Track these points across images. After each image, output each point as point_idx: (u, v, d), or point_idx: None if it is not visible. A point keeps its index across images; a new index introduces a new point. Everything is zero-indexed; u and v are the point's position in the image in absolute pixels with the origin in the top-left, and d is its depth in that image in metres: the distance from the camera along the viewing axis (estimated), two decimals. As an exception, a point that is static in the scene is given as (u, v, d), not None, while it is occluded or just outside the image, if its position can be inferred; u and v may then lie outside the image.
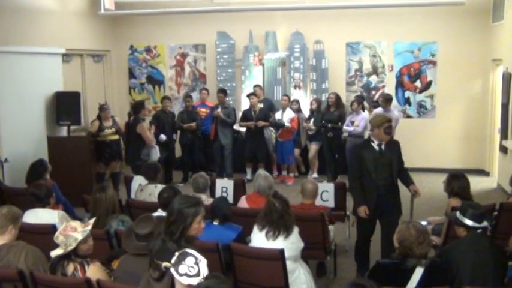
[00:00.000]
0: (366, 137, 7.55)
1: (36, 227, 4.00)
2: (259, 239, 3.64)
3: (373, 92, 9.08)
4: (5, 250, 3.20)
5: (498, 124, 7.95)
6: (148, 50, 9.75)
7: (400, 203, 4.51)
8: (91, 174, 7.15)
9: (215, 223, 3.83)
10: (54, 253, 2.96)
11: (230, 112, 8.32)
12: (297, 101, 8.49)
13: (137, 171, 6.36)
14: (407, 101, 9.08)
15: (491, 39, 8.36)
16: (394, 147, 4.47)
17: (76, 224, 3.09)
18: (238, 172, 8.38)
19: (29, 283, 3.07)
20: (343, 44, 9.07)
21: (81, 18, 8.57)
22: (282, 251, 3.40)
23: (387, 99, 7.52)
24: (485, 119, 8.63)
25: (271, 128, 8.40)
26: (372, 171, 4.33)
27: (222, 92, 8.41)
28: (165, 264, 2.33)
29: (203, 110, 8.63)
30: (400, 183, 4.53)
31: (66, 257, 2.98)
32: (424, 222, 4.64)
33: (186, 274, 2.20)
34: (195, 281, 2.18)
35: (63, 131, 7.72)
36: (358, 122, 7.51)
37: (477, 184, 7.55)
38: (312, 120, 8.19)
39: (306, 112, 8.55)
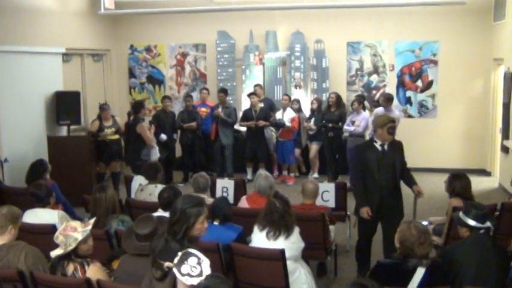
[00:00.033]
0: (366, 137, 7.56)
1: (36, 227, 3.99)
2: (259, 239, 3.63)
3: (374, 92, 9.06)
4: (5, 250, 3.19)
5: (499, 124, 7.93)
6: (148, 49, 9.73)
7: (402, 204, 4.48)
8: (91, 174, 7.14)
9: (215, 223, 3.81)
10: (54, 253, 2.95)
11: (231, 112, 8.31)
12: (298, 101, 8.47)
13: (137, 171, 6.35)
14: (408, 101, 9.06)
15: (492, 38, 8.35)
16: (397, 147, 4.44)
17: (76, 224, 3.09)
18: (238, 172, 8.36)
19: (29, 283, 3.06)
20: (344, 44, 9.05)
21: (81, 18, 8.56)
22: (282, 251, 3.39)
23: (388, 99, 7.50)
24: (487, 118, 8.61)
25: (272, 128, 8.38)
26: (374, 171, 4.30)
27: (223, 91, 8.40)
28: (167, 264, 2.33)
29: (203, 109, 8.62)
30: (402, 184, 4.50)
31: (66, 257, 2.97)
32: (425, 222, 4.64)
33: (188, 274, 2.19)
34: (197, 281, 2.18)
35: (63, 131, 7.71)
36: (359, 121, 7.49)
37: (478, 184, 7.53)
38: (313, 120, 8.17)
39: (306, 112, 8.53)
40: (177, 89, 9.74)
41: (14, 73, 6.74)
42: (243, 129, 8.51)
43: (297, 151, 8.42)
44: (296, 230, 3.65)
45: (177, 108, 9.13)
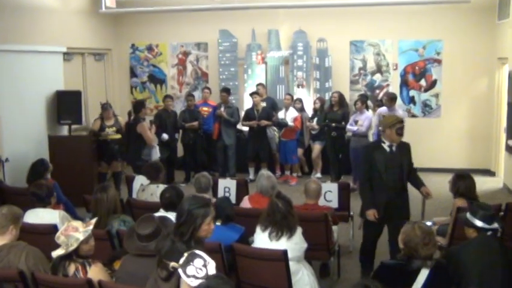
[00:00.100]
0: (369, 136, 7.53)
1: (37, 227, 3.98)
2: (262, 239, 3.61)
3: (377, 91, 9.02)
4: (6, 250, 3.18)
5: (504, 123, 7.90)
6: (149, 48, 9.71)
7: (409, 206, 4.43)
8: (92, 174, 7.12)
9: (217, 223, 3.77)
10: (56, 253, 2.95)
11: (233, 111, 8.27)
12: (300, 100, 8.44)
13: (138, 171, 6.33)
14: (411, 100, 9.01)
15: (497, 37, 8.30)
16: (404, 148, 4.39)
17: (77, 224, 3.08)
18: (240, 172, 8.34)
19: (30, 284, 3.05)
20: (347, 42, 9.01)
21: (82, 17, 8.54)
22: (285, 252, 3.37)
23: (391, 98, 7.45)
24: (491, 118, 8.56)
25: (274, 128, 8.34)
26: (382, 172, 4.25)
27: (225, 91, 8.36)
28: (172, 264, 2.32)
29: (205, 109, 8.60)
30: (409, 186, 4.45)
31: (68, 257, 2.96)
32: (429, 223, 4.60)
33: (193, 276, 2.18)
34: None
35: (64, 130, 7.70)
36: (362, 121, 7.45)
37: (483, 184, 7.48)
38: (316, 119, 8.13)
39: (309, 111, 8.50)
40: (179, 89, 9.71)
41: (15, 72, 6.73)
42: (245, 128, 8.47)
43: (300, 151, 8.38)
44: (299, 231, 3.64)
45: (178, 107, 9.10)
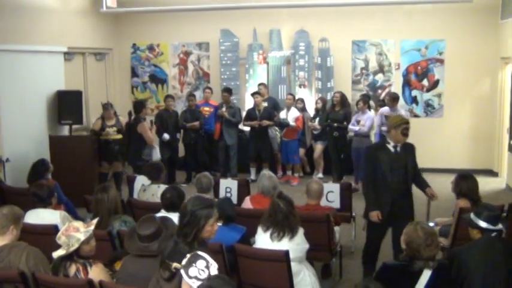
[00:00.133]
0: (372, 136, 7.50)
1: (37, 227, 3.97)
2: (263, 240, 3.60)
3: (380, 91, 8.99)
4: (7, 251, 3.17)
5: (507, 123, 7.88)
6: (151, 48, 9.69)
7: (413, 207, 4.40)
8: (93, 174, 7.10)
9: (219, 224, 3.75)
10: (57, 254, 2.94)
11: (235, 112, 8.25)
12: (302, 100, 8.42)
13: (138, 171, 6.30)
14: (414, 100, 8.98)
15: (499, 37, 8.27)
16: (409, 149, 4.35)
17: (78, 224, 3.07)
18: (242, 172, 8.31)
19: (30, 284, 3.05)
20: (349, 42, 8.98)
21: (82, 16, 8.52)
22: (286, 253, 3.36)
23: (394, 98, 7.43)
24: (494, 118, 8.53)
25: (276, 128, 8.32)
26: (387, 173, 4.20)
27: (227, 91, 8.34)
28: (175, 265, 2.33)
29: (206, 109, 8.58)
30: (413, 187, 4.42)
31: (69, 257, 2.96)
32: (431, 224, 4.59)
33: (195, 277, 2.17)
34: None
35: (65, 130, 7.69)
36: (364, 121, 7.42)
37: (485, 185, 7.44)
38: (317, 119, 8.10)
39: (311, 111, 8.47)
40: (180, 88, 9.69)
41: (16, 72, 6.72)
42: (247, 128, 8.45)
43: (302, 151, 8.36)
44: (300, 231, 3.62)
45: (179, 107, 9.08)
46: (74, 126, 7.65)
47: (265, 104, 8.22)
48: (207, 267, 2.19)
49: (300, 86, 9.08)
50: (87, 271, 2.94)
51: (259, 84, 8.66)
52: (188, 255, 2.26)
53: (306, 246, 3.64)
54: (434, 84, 8.87)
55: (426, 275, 2.85)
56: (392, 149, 4.26)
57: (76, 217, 4.64)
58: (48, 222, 4.03)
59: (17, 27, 6.78)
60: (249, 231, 3.83)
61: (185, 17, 9.21)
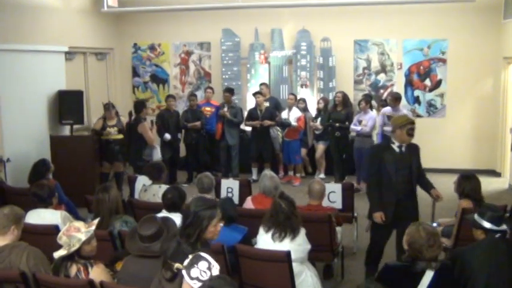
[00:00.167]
0: (374, 136, 7.47)
1: (38, 227, 3.96)
2: (265, 240, 3.59)
3: (382, 91, 8.96)
4: (7, 251, 3.17)
5: (510, 123, 7.89)
6: (152, 48, 9.68)
7: (418, 208, 4.36)
8: (94, 174, 7.09)
9: (220, 224, 3.74)
10: (58, 254, 2.94)
11: (237, 112, 8.23)
12: (304, 100, 8.39)
13: (139, 171, 6.29)
14: (416, 100, 8.95)
15: (502, 36, 8.24)
16: (414, 150, 4.32)
17: (79, 224, 3.06)
18: (243, 172, 8.30)
19: (31, 285, 3.04)
20: (351, 42, 8.96)
21: (84, 16, 8.51)
22: (288, 253, 3.34)
23: (396, 98, 7.41)
24: (497, 118, 8.49)
25: (278, 128, 8.30)
26: (392, 174, 4.17)
27: (229, 91, 8.32)
28: (177, 265, 2.32)
29: (208, 109, 8.57)
30: (418, 188, 4.40)
31: (70, 258, 2.95)
32: (434, 224, 4.57)
33: (197, 278, 2.17)
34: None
35: (66, 130, 7.68)
36: (366, 121, 7.40)
37: (488, 185, 7.43)
38: (319, 119, 8.08)
39: (312, 111, 8.45)
40: (181, 88, 9.68)
41: (16, 72, 6.71)
42: (248, 128, 8.43)
43: (303, 151, 8.34)
44: (302, 232, 3.61)
45: (181, 107, 9.08)
46: (75, 126, 7.63)
47: (266, 104, 8.20)
48: (209, 268, 2.19)
49: (301, 85, 9.06)
50: (88, 271, 2.93)
51: (261, 84, 8.64)
52: (190, 256, 2.25)
53: (308, 246, 3.62)
54: (437, 84, 8.84)
55: (428, 275, 2.84)
56: (397, 149, 4.23)
57: (77, 217, 4.63)
58: (49, 222, 4.01)
59: (18, 26, 6.77)
60: (250, 232, 3.82)
61: (186, 16, 9.20)
